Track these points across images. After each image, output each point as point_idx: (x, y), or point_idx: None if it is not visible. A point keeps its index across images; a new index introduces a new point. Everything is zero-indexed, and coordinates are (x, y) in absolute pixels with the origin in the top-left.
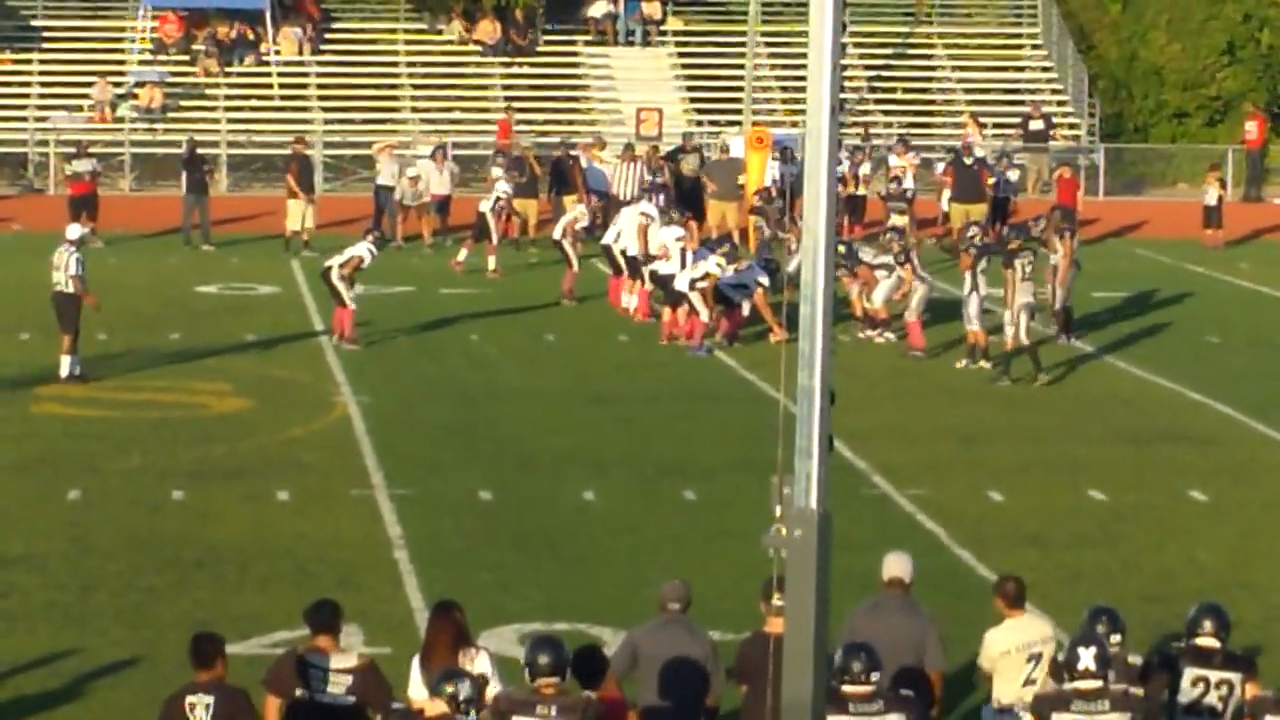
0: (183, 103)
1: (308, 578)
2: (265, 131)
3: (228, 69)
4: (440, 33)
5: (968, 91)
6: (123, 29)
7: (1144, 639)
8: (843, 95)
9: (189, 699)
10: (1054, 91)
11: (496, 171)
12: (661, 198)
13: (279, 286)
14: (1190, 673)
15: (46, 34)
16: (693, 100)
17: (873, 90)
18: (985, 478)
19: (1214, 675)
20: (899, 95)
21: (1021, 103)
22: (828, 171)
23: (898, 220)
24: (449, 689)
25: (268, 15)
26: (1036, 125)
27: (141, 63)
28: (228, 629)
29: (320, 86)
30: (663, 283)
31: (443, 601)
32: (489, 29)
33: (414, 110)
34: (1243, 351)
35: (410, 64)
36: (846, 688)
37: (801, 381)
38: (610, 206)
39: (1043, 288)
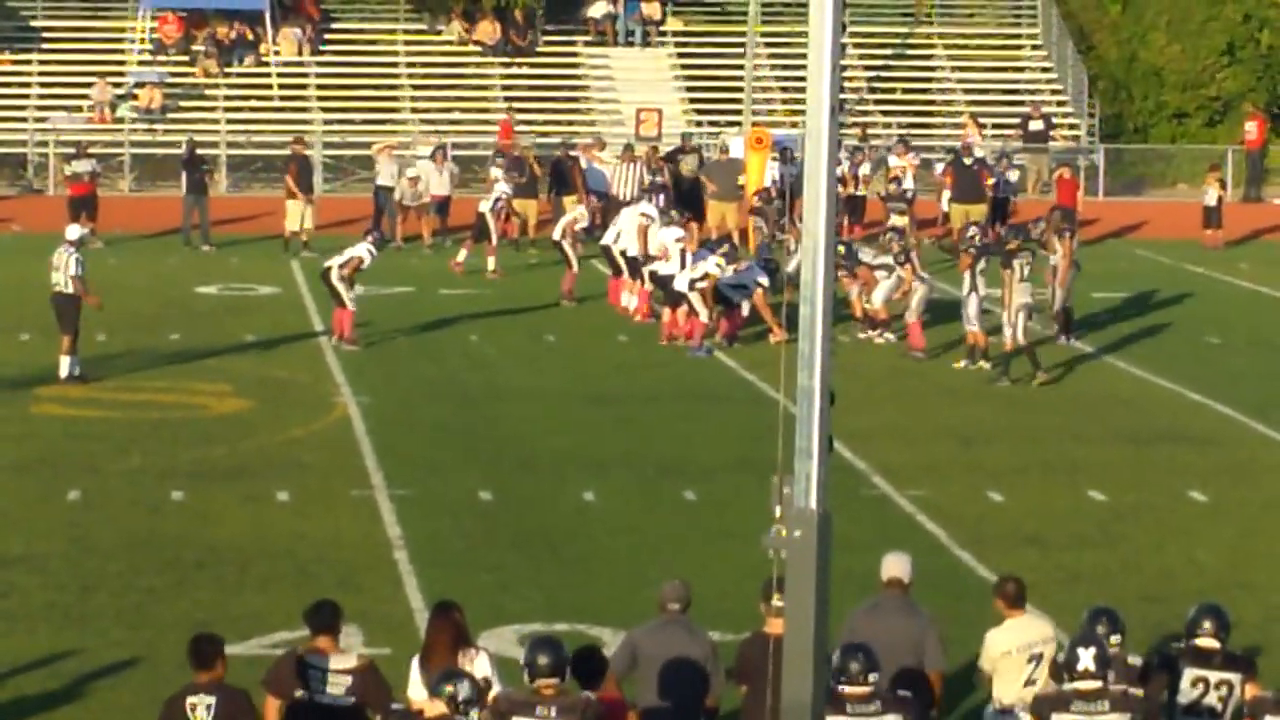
0: (182, 103)
1: (308, 578)
2: (265, 132)
3: (227, 69)
4: (440, 33)
5: (967, 92)
6: (122, 29)
7: (1144, 639)
8: (842, 95)
9: (190, 700)
10: (1054, 92)
11: (496, 172)
12: (661, 198)
13: (279, 287)
14: (1190, 673)
15: (46, 34)
16: (692, 101)
17: (872, 90)
18: (985, 478)
19: (1214, 676)
20: (899, 95)
21: (1021, 103)
22: (828, 172)
23: (897, 220)
24: (448, 689)
25: (267, 16)
26: (1036, 126)
27: (141, 63)
28: (228, 629)
29: (320, 87)
30: (662, 283)
31: (442, 602)
32: (488, 29)
33: (413, 111)
34: (1243, 352)
35: (410, 64)
36: (844, 688)
37: (801, 382)
38: (610, 207)
39: (1042, 289)
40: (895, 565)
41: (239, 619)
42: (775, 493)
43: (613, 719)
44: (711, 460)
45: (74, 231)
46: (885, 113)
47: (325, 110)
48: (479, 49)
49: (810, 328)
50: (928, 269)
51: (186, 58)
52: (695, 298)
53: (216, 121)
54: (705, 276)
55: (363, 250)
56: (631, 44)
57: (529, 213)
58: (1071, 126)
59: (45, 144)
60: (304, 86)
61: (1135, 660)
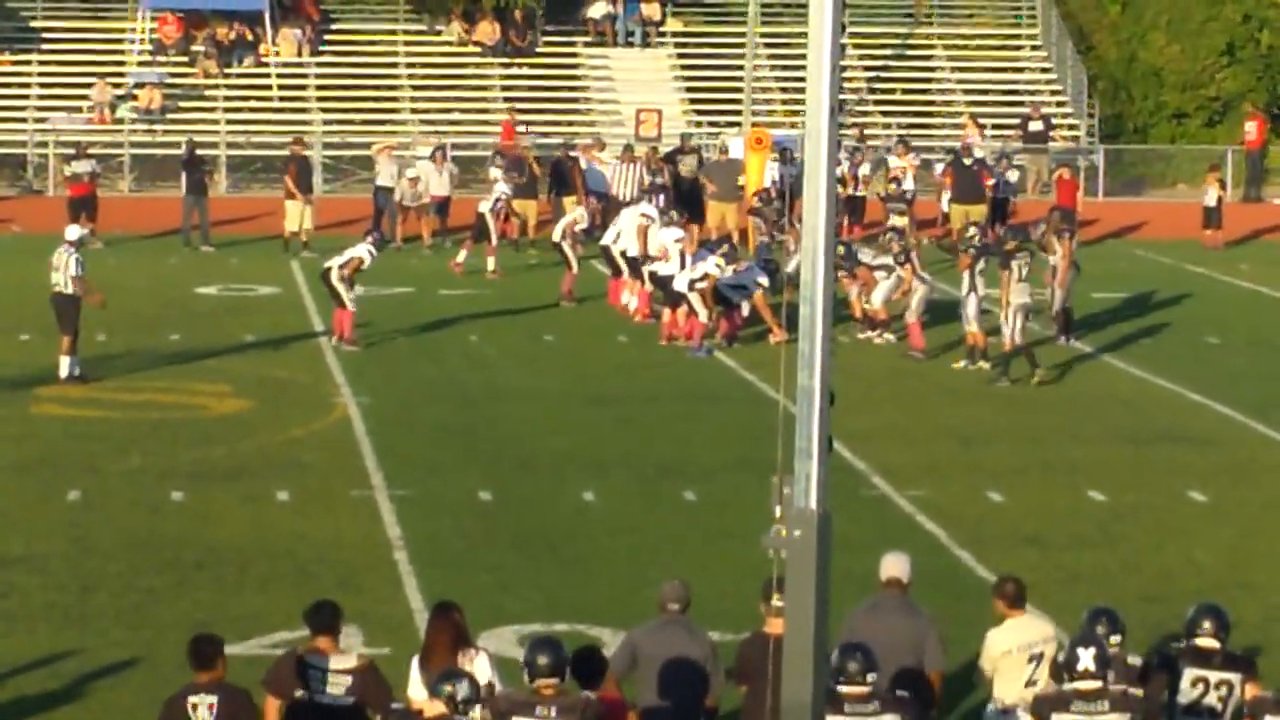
0: (182, 104)
1: (307, 578)
2: (264, 132)
3: (227, 70)
4: (439, 33)
5: (967, 92)
6: (122, 30)
7: (1143, 639)
8: (842, 95)
9: (191, 699)
10: (1053, 92)
11: (495, 172)
12: (661, 199)
13: (279, 287)
14: (1190, 673)
15: (46, 35)
16: (692, 101)
17: (872, 91)
18: (985, 478)
19: (1213, 676)
20: (898, 96)
21: (1021, 103)
22: (828, 172)
23: (897, 221)
24: (447, 689)
25: (267, 16)
26: (1036, 126)
27: (141, 64)
28: (227, 629)
29: (319, 87)
30: (662, 283)
31: (442, 602)
32: (488, 30)
33: (413, 111)
34: (1242, 352)
35: (409, 65)
36: (843, 688)
37: (801, 382)
38: (610, 207)
39: (1041, 289)
40: (894, 565)
41: (239, 619)
42: (775, 493)
43: (613, 719)
44: (711, 460)
45: (74, 232)
46: (885, 113)
47: (325, 111)
48: (479, 49)
49: (810, 328)
50: (927, 269)
51: (186, 58)
52: (695, 298)
53: (216, 122)
54: (705, 277)
55: (363, 251)
56: (631, 44)
57: (529, 213)
58: (1071, 127)
59: (45, 144)
60: (304, 87)
61: (1135, 660)
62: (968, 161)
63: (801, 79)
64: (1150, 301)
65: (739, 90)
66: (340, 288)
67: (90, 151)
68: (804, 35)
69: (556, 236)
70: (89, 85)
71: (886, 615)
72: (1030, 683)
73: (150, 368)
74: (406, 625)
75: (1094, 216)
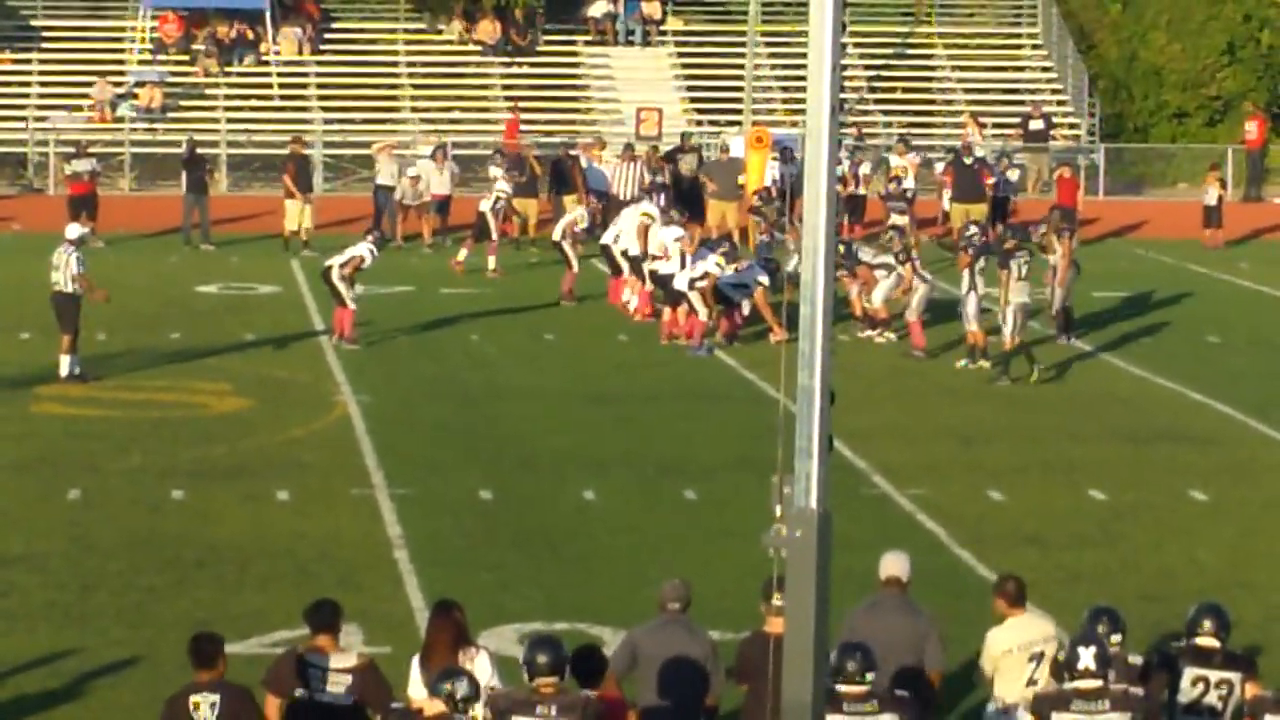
0: (182, 102)
1: (308, 577)
2: (265, 131)
3: (227, 69)
4: (440, 32)
5: (968, 91)
6: (123, 29)
7: (1143, 639)
8: (842, 95)
9: (193, 698)
10: (1054, 91)
11: (495, 171)
12: (662, 197)
13: (279, 286)
14: (1190, 672)
15: (46, 34)
16: (693, 100)
17: (873, 90)
18: (985, 477)
19: (1214, 675)
20: (899, 95)
21: (1021, 103)
22: (828, 171)
23: (898, 220)
24: (446, 688)
25: (267, 15)
26: (1036, 125)
27: (141, 62)
28: (228, 629)
29: (320, 86)
30: (662, 282)
31: (443, 601)
32: (489, 29)
33: (414, 110)
34: (1243, 351)
35: (410, 64)
36: (841, 687)
37: (801, 381)
38: (610, 206)
39: (1041, 289)
40: (893, 564)
41: (239, 618)
42: (775, 492)
43: (612, 718)
44: (711, 459)
45: (74, 231)
46: (885, 112)
47: (325, 110)
48: (479, 48)
49: (810, 327)
50: (928, 268)
51: (187, 57)
52: (695, 297)
53: (217, 121)
54: (705, 276)
55: (363, 249)
56: (632, 43)
57: (529, 212)
58: (1072, 126)
59: (45, 143)
60: (304, 86)
61: (1136, 659)
62: (968, 160)
63: (802, 78)
64: (1150, 301)
65: (739, 89)
66: (341, 286)
67: (91, 150)
68: (804, 34)
69: (556, 236)
70: (89, 84)
71: (886, 614)
72: (1031, 682)
73: (150, 366)
74: (407, 624)
75: (1094, 215)
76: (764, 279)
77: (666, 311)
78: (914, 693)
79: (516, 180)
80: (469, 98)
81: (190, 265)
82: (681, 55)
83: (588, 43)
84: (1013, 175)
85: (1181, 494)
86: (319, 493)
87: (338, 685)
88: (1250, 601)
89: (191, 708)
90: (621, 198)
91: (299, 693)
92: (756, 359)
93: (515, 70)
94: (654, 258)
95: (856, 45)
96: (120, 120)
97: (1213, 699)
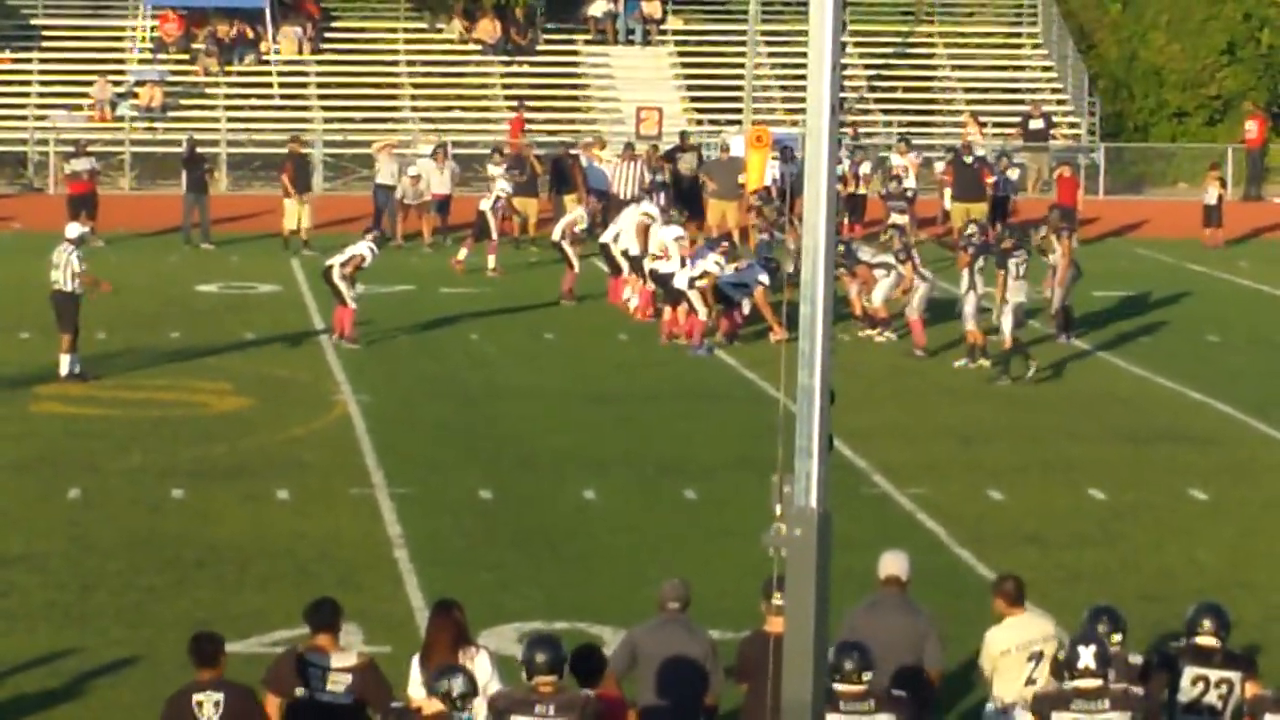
0: (183, 101)
1: (308, 577)
2: (265, 130)
3: (227, 68)
4: (440, 32)
5: (968, 91)
6: (123, 28)
7: (1144, 638)
8: (842, 95)
9: (196, 696)
10: (1054, 91)
11: (495, 170)
12: (662, 197)
13: (279, 285)
14: (1190, 672)
15: (46, 33)
16: (693, 99)
17: (873, 90)
18: (985, 477)
19: (1214, 674)
20: (899, 95)
21: (1021, 102)
22: (828, 171)
23: (898, 219)
24: (443, 685)
25: (267, 14)
26: (1036, 124)
27: (141, 62)
28: (228, 628)
29: (320, 85)
30: (662, 281)
31: (443, 600)
32: (489, 28)
33: (414, 109)
34: (1243, 351)
35: (410, 63)
36: (839, 686)
37: (801, 381)
38: (610, 206)
39: (1039, 288)
40: (893, 563)
41: (239, 617)
42: (775, 491)
43: (612, 717)
44: (711, 459)
45: (74, 230)
46: (886, 112)
47: (325, 109)
48: (479, 47)
49: (810, 326)
50: (928, 267)
51: (187, 56)
52: (695, 296)
53: (217, 120)
54: (704, 275)
55: (364, 248)
56: (632, 43)
57: (529, 211)
58: (1072, 125)
59: (45, 142)
60: (304, 85)
61: (1136, 659)
62: (968, 159)
63: (802, 77)
64: (1150, 300)
65: (739, 88)
66: (341, 286)
67: (90, 149)
68: (804, 33)
69: (556, 236)
70: (89, 83)
71: (886, 614)
72: (1030, 681)
73: (150, 366)
74: (407, 623)
75: (1094, 215)
76: (764, 278)
77: (666, 311)
78: (913, 692)
79: (517, 179)
80: (469, 97)
81: (190, 264)
82: (681, 55)
83: (588, 42)
84: (1013, 174)
85: (1181, 494)
86: (319, 492)
87: (338, 684)
88: (1250, 601)
89: (195, 706)
90: (621, 197)
91: (299, 692)
92: (756, 358)
93: (515, 69)
94: (654, 257)
95: (856, 45)
96: (120, 119)
97: (1213, 698)
